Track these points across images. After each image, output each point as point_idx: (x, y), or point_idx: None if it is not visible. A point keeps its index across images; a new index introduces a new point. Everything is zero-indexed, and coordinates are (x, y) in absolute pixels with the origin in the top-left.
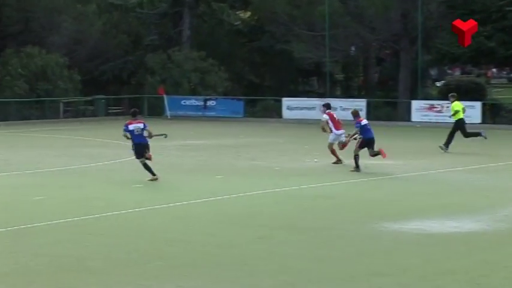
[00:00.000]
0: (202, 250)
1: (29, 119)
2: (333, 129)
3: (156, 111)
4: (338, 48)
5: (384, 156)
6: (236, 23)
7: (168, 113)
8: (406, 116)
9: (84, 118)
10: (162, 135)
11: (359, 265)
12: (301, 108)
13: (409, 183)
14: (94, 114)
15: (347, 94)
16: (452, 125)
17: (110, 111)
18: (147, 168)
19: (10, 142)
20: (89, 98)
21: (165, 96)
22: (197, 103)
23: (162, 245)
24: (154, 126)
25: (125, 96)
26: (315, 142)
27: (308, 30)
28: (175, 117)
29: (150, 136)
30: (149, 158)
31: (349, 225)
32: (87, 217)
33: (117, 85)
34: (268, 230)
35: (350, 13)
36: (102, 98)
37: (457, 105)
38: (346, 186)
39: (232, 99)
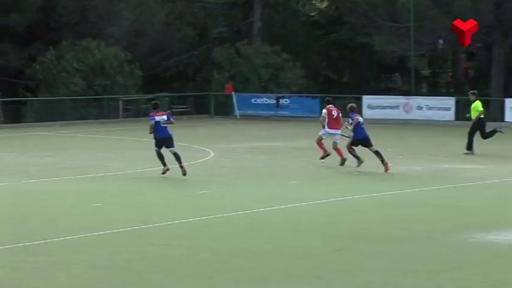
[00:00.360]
0: (273, 262)
1: (86, 118)
2: (326, 126)
3: (223, 110)
4: (424, 41)
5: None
6: (312, 14)
7: (237, 112)
8: (499, 115)
9: (146, 118)
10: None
11: (447, 280)
12: (384, 107)
13: (503, 190)
14: None
15: (434, 92)
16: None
17: (174, 110)
18: (161, 158)
19: (66, 144)
20: (150, 96)
21: (233, 93)
22: (269, 101)
23: (230, 257)
24: (222, 127)
25: (190, 93)
26: (398, 145)
27: (391, 21)
28: (244, 117)
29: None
30: (184, 173)
31: (436, 236)
32: (148, 226)
33: (181, 82)
34: (346, 240)
35: (437, 3)
36: (165, 96)
37: (479, 104)
38: (433, 193)
39: (307, 97)
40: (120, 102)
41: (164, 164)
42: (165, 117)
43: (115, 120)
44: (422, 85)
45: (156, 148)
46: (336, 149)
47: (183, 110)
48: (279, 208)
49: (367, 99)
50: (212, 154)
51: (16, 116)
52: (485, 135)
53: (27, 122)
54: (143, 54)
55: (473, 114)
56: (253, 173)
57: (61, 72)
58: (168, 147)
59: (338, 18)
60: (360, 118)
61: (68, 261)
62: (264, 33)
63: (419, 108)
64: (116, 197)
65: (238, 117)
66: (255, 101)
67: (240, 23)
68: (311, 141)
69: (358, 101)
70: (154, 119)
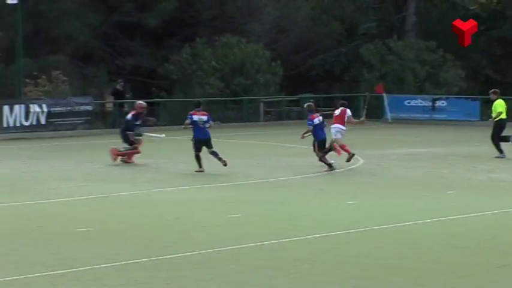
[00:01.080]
0: (429, 280)
1: (224, 121)
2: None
3: (374, 113)
4: None
5: (339, 154)
6: (472, 7)
7: (388, 115)
8: None
9: (289, 121)
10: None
11: None
12: None
13: None
14: (300, 117)
15: None
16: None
17: (319, 113)
18: (198, 160)
19: None
20: (294, 98)
21: (384, 95)
22: (424, 104)
23: (381, 274)
24: (372, 131)
25: (337, 95)
26: None
27: None
28: (397, 121)
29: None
30: (225, 164)
31: None
32: (292, 239)
33: (327, 82)
34: (509, 257)
35: None
36: (310, 98)
37: (501, 104)
38: None
39: (466, 98)
40: (261, 104)
41: (200, 166)
42: (204, 118)
43: (255, 123)
44: None
45: (195, 153)
46: (334, 146)
47: (329, 113)
48: (435, 221)
49: None
50: (361, 161)
51: None
52: (497, 139)
53: (159, 126)
54: (286, 52)
55: (498, 116)
56: (406, 182)
57: (196, 71)
58: (207, 147)
59: (501, 12)
60: (318, 119)
61: (202, 277)
62: (418, 29)
63: None
64: (256, 207)
65: (390, 120)
66: (409, 103)
67: (392, 17)
68: (470, 147)
69: None
70: (191, 118)
